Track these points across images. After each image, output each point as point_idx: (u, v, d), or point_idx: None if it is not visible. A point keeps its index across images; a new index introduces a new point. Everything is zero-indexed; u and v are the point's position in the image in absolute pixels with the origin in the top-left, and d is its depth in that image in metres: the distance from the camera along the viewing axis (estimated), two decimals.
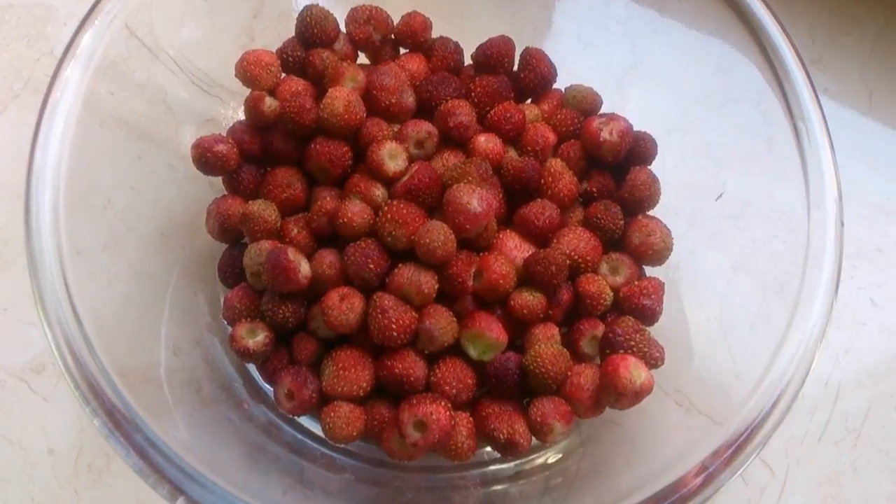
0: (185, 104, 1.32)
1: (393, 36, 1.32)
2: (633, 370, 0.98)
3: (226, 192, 1.22)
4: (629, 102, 1.29)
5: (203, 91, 1.33)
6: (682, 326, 1.15)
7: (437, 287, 1.02)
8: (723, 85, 1.33)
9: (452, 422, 0.99)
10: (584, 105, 1.27)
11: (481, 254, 1.06)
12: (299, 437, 1.13)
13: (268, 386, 1.11)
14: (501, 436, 1.01)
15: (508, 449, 1.01)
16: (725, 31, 1.24)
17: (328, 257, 1.06)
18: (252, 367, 1.15)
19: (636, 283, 1.10)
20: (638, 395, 0.98)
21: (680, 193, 1.22)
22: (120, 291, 1.17)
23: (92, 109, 1.14)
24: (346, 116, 1.13)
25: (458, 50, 1.31)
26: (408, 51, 1.32)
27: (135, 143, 1.25)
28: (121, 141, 1.24)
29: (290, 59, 1.25)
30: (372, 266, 1.03)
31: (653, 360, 1.03)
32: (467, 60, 1.31)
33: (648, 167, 1.14)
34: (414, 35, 1.30)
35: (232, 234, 1.15)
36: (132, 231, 1.22)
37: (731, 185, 1.29)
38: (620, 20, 1.40)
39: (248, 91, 1.22)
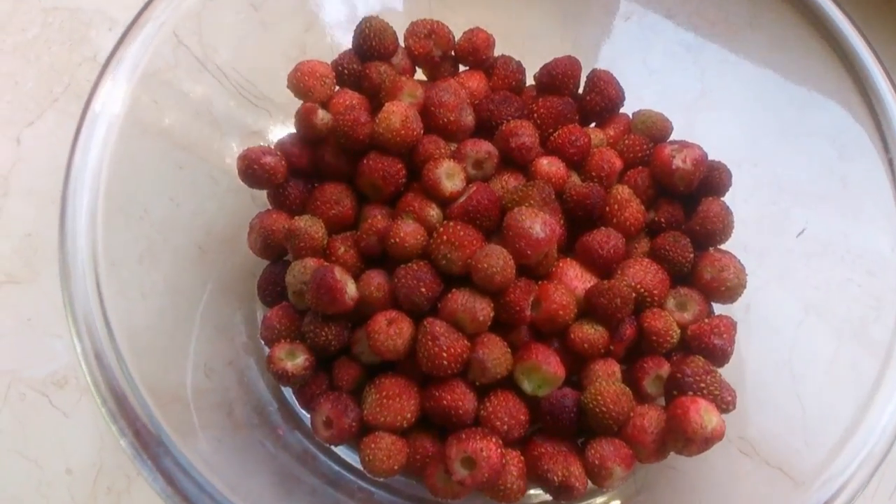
0: (231, 116, 1.28)
1: (453, 52, 1.28)
2: (703, 414, 0.93)
3: (270, 207, 1.18)
4: (696, 132, 1.22)
5: (250, 103, 1.29)
6: (746, 369, 1.13)
7: (492, 315, 0.98)
8: (797, 117, 1.29)
9: (503, 460, 0.94)
10: (653, 131, 1.21)
11: (540, 282, 1.02)
12: (336, 468, 1.09)
13: (304, 412, 1.06)
14: (556, 478, 0.96)
15: (563, 492, 0.96)
16: (806, 60, 1.20)
17: (377, 279, 1.02)
18: (288, 392, 1.11)
19: (706, 320, 1.05)
20: (708, 441, 0.93)
21: (749, 229, 1.16)
22: (154, 306, 1.13)
23: (135, 117, 1.11)
24: (403, 132, 1.08)
25: (520, 69, 1.26)
26: (468, 68, 1.28)
27: (177, 153, 1.22)
28: (163, 150, 1.21)
29: (346, 71, 1.20)
30: (424, 290, 0.98)
31: (724, 403, 0.97)
32: (529, 81, 1.28)
33: (721, 198, 1.10)
34: (476, 52, 1.25)
35: (275, 250, 1.11)
36: (169, 244, 1.18)
37: (802, 223, 1.23)
38: (690, 47, 1.35)
39: (297, 104, 1.17)
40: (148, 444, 0.89)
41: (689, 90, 1.34)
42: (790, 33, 1.20)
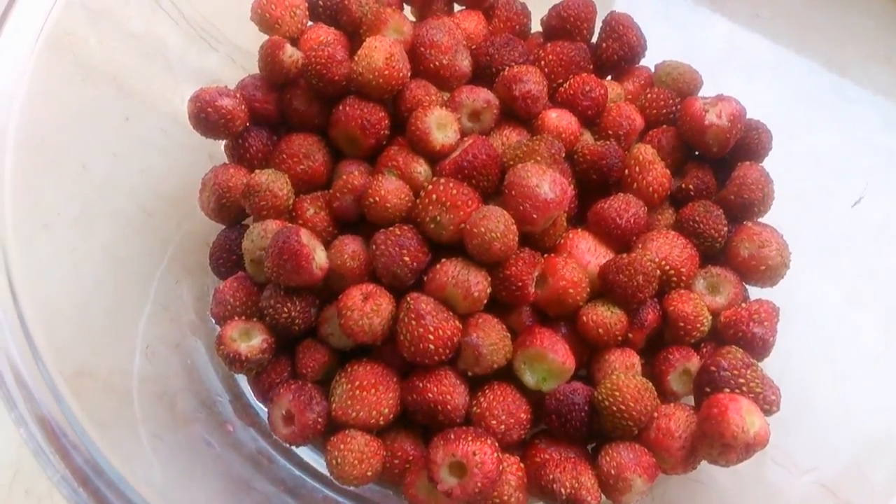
0: (187, 61, 1.18)
1: None
2: (746, 415, 0.84)
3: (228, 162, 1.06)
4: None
5: (209, 46, 1.18)
6: (780, 367, 1.00)
7: (489, 291, 0.90)
8: (836, 82, 1.19)
9: (500, 466, 0.86)
10: (679, 84, 1.08)
11: (546, 255, 0.94)
12: (296, 473, 1.00)
13: (261, 405, 0.98)
14: (563, 490, 0.87)
15: None
16: (848, 17, 1.09)
17: (351, 245, 0.94)
18: (244, 381, 1.03)
19: (744, 305, 0.97)
20: (750, 448, 0.84)
21: (784, 207, 1.05)
22: (87, 277, 1.03)
23: (74, 58, 1.04)
24: (387, 72, 0.96)
25: (524, 12, 1.13)
26: (464, 8, 1.14)
27: (124, 101, 1.12)
28: (107, 98, 1.11)
29: (321, 3, 1.07)
30: (407, 259, 0.89)
31: (768, 403, 0.88)
32: (535, 28, 1.15)
33: (760, 164, 1.02)
34: None
35: (231, 211, 1.01)
36: (110, 205, 1.08)
37: (844, 200, 1.13)
38: (716, 0, 1.24)
39: None
40: (56, 436, 0.76)
41: (716, 48, 1.23)
42: None
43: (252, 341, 0.93)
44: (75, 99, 1.06)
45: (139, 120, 1.12)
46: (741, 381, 0.87)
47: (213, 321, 0.99)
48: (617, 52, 1.08)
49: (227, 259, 1.00)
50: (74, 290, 1.00)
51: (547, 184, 0.89)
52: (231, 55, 1.18)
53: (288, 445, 0.97)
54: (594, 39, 1.12)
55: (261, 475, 0.97)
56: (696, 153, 1.04)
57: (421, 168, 0.96)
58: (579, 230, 0.99)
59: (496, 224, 0.87)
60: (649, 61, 1.14)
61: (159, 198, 1.10)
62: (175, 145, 1.11)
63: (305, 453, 1.02)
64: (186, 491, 0.88)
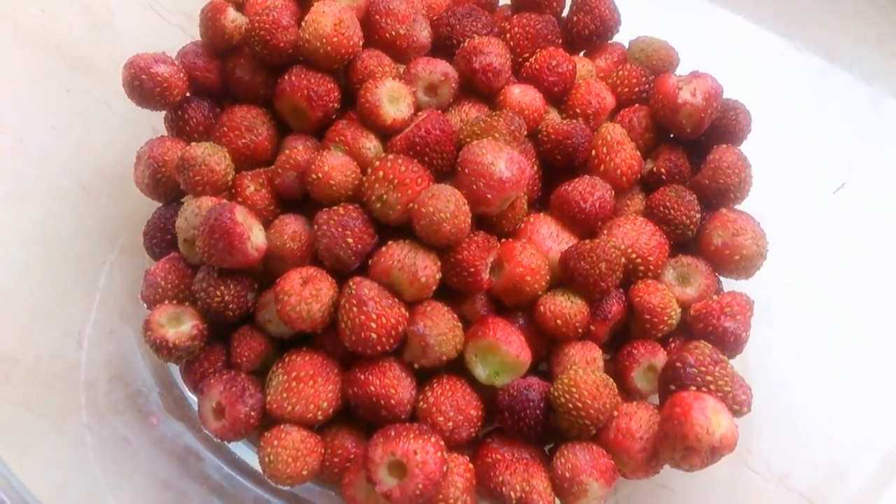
0: (136, 31, 1.13)
1: None
2: (711, 415, 0.79)
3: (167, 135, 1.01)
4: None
5: (158, 16, 1.14)
6: (754, 365, 0.98)
7: (438, 276, 0.86)
8: (825, 63, 1.15)
9: (444, 467, 0.82)
10: (654, 61, 1.03)
11: (504, 240, 0.90)
12: (226, 470, 0.95)
13: (195, 398, 0.92)
14: (513, 493, 0.83)
15: None
16: None
17: (292, 225, 0.89)
18: (178, 371, 0.97)
19: (715, 298, 0.92)
20: (715, 451, 0.79)
21: (763, 193, 1.01)
22: (17, 256, 0.99)
23: (15, 27, 1.02)
24: (335, 40, 0.90)
25: None
26: None
27: (65, 72, 1.09)
28: (47, 69, 1.08)
29: None
30: (351, 240, 0.85)
31: (737, 403, 0.83)
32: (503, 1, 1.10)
33: (737, 148, 0.96)
34: None
35: (167, 187, 0.96)
36: (44, 181, 1.04)
37: (827, 189, 1.09)
38: None
39: None
40: None
41: (697, 27, 1.19)
42: None
43: (181, 327, 0.88)
44: (13, 68, 1.03)
45: (81, 92, 1.08)
46: (708, 378, 0.83)
47: (146, 305, 0.93)
48: (588, 26, 1.03)
49: (161, 239, 0.95)
50: (2, 269, 0.96)
51: (503, 161, 0.84)
52: (182, 25, 1.13)
53: (219, 441, 0.93)
54: (566, 13, 1.06)
55: (186, 473, 0.92)
56: (671, 135, 0.99)
57: (370, 144, 0.91)
58: (541, 214, 0.94)
59: (446, 204, 0.82)
60: (626, 39, 1.08)
61: (98, 174, 1.06)
62: (118, 119, 1.07)
63: (239, 449, 0.98)
64: (99, 493, 0.84)
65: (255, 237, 0.86)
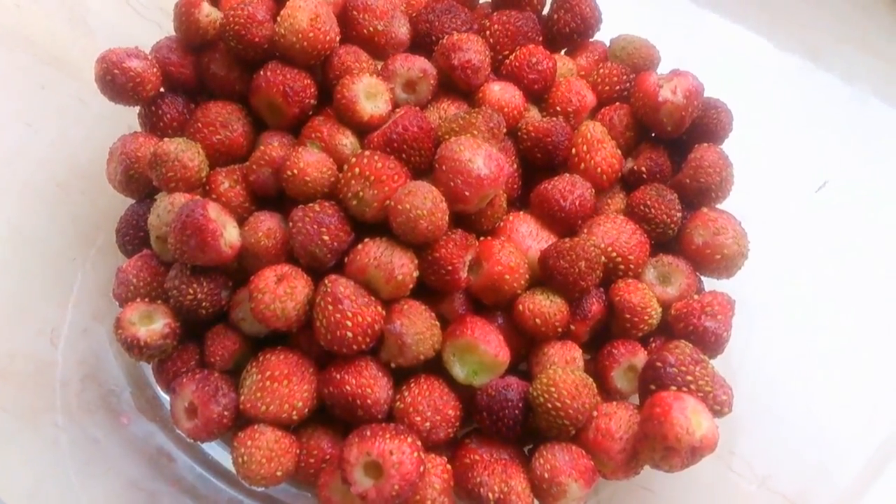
0: (112, 28, 1.13)
1: None
2: (691, 416, 0.78)
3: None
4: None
5: (135, 12, 1.14)
6: (736, 365, 0.96)
7: (415, 275, 0.86)
8: (807, 63, 1.15)
9: (421, 468, 0.81)
10: (635, 59, 1.03)
11: (482, 238, 0.89)
12: (199, 470, 0.95)
13: (167, 396, 0.91)
14: (491, 494, 0.83)
15: None
16: None
17: (267, 223, 0.88)
18: (150, 370, 0.96)
19: (696, 297, 0.91)
20: (696, 451, 0.79)
21: (745, 192, 1.00)
22: None
23: None
24: (311, 35, 0.90)
25: None
26: None
27: (40, 68, 1.08)
28: (22, 64, 1.07)
29: None
30: (327, 238, 0.84)
31: (718, 404, 0.83)
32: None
33: (719, 147, 0.96)
34: None
35: (139, 184, 0.95)
36: (18, 178, 1.03)
37: (809, 188, 1.09)
38: None
39: None
40: None
41: (680, 27, 1.17)
42: None
43: (153, 325, 0.87)
44: None
45: (56, 88, 1.08)
46: (689, 378, 0.82)
47: (118, 304, 0.92)
48: (569, 23, 1.03)
49: (134, 236, 0.94)
50: None
51: (481, 158, 0.83)
52: (158, 21, 1.12)
53: (191, 441, 0.91)
54: (547, 11, 1.06)
55: (158, 474, 0.91)
56: (652, 134, 0.99)
57: (347, 140, 0.90)
58: (521, 213, 0.94)
59: (423, 201, 0.82)
60: (607, 37, 1.08)
61: (73, 171, 1.06)
62: (93, 115, 1.06)
63: (212, 450, 0.97)
64: (69, 495, 0.83)
65: (229, 234, 0.85)
